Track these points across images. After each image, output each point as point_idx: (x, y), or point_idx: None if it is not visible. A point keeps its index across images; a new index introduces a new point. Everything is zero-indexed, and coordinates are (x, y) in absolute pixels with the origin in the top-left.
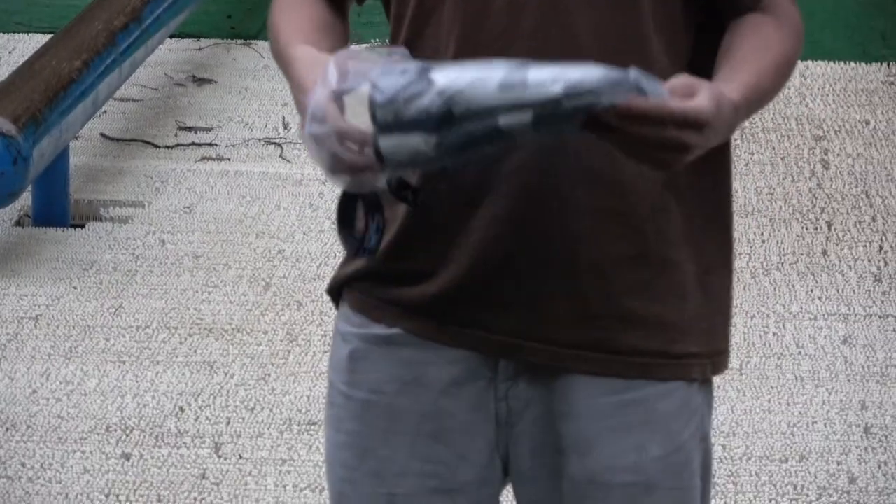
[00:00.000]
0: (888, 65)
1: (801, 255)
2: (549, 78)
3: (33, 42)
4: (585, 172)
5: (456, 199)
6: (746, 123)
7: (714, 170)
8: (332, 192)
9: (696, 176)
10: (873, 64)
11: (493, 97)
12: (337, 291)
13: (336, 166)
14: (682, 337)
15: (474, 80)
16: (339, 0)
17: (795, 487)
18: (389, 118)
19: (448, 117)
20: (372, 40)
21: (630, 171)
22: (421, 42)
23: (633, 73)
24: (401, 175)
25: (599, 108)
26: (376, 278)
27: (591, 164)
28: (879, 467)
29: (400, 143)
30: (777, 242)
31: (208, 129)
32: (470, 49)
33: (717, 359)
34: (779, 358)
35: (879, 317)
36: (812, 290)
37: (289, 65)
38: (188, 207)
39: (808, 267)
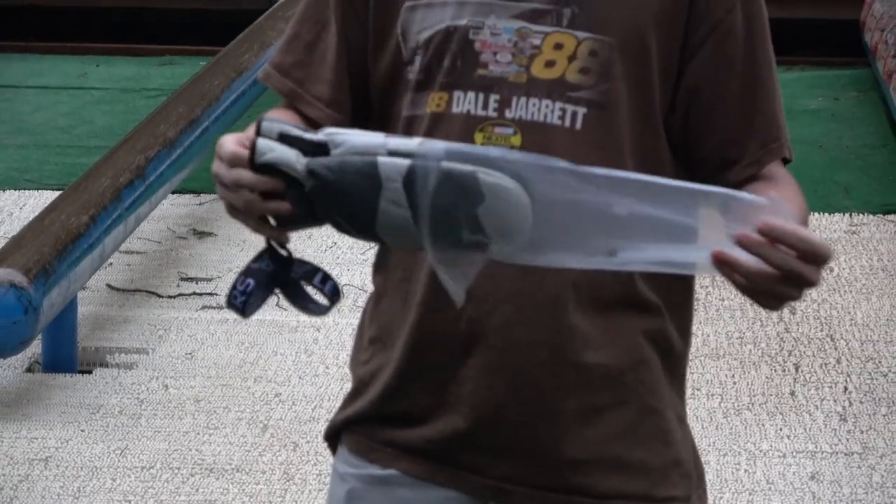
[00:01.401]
0: (850, 215)
1: (771, 395)
2: (436, 140)
3: (43, 198)
4: (571, 329)
5: (450, 345)
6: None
7: (686, 327)
8: (326, 337)
9: (672, 330)
10: (836, 215)
11: (374, 141)
12: (335, 434)
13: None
14: (664, 480)
15: (363, 134)
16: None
17: None
18: (274, 130)
19: (324, 148)
20: None
21: (613, 328)
22: None
23: (563, 164)
24: (282, 242)
25: (471, 181)
26: (373, 421)
27: (577, 321)
28: None
29: (274, 147)
30: (747, 384)
31: (209, 280)
32: None
33: (695, 498)
34: (750, 493)
35: (845, 454)
36: (781, 429)
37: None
38: (190, 354)
39: (776, 407)
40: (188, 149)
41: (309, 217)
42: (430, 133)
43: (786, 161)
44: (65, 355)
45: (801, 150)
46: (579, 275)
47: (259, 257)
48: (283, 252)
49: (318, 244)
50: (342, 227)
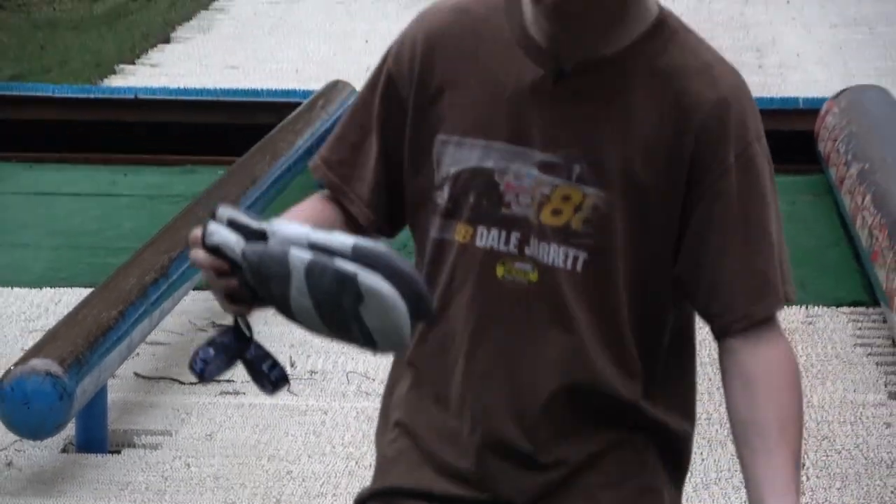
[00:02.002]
0: (806, 308)
1: (736, 471)
2: (348, 237)
3: (76, 295)
4: (585, 425)
5: (466, 450)
6: None
7: (686, 420)
8: (332, 420)
9: (667, 418)
10: (794, 307)
11: (298, 233)
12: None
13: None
14: None
15: (295, 227)
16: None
17: None
18: (224, 215)
19: (261, 234)
20: None
21: (618, 417)
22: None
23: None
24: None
25: (351, 281)
26: (398, 494)
27: (588, 421)
28: None
29: (219, 230)
30: (714, 461)
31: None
32: (483, 323)
33: None
34: None
35: None
36: (745, 502)
37: None
38: (209, 435)
39: (741, 482)
40: None
41: (254, 297)
42: (457, 260)
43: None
44: (96, 437)
45: None
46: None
47: (224, 331)
48: (246, 331)
49: None
50: (277, 310)
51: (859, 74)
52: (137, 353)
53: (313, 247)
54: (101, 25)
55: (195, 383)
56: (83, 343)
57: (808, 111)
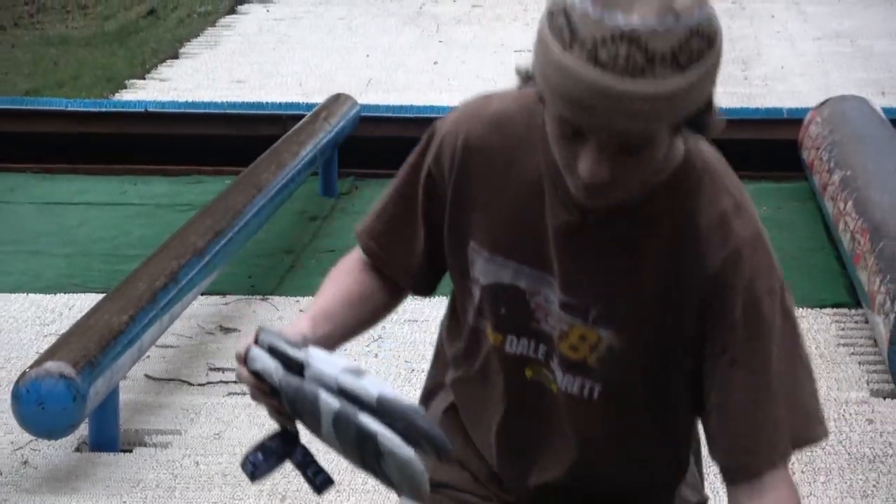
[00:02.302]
0: None
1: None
2: (375, 385)
3: (88, 300)
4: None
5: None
6: None
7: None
8: None
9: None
10: None
11: (330, 373)
12: None
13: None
14: None
15: (329, 363)
16: (396, 289)
17: None
18: (265, 342)
19: (300, 367)
20: None
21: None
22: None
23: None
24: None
25: (372, 441)
26: (441, 487)
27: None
28: None
29: (261, 357)
30: (709, 460)
31: (233, 370)
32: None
33: None
34: None
35: None
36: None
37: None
38: (217, 434)
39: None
40: (215, 256)
41: (293, 417)
42: (489, 355)
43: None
44: (108, 436)
45: None
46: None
47: (273, 436)
48: (290, 437)
49: None
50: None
51: (841, 85)
52: (148, 356)
53: (342, 392)
54: (113, 42)
55: (203, 384)
56: (95, 346)
57: (793, 121)
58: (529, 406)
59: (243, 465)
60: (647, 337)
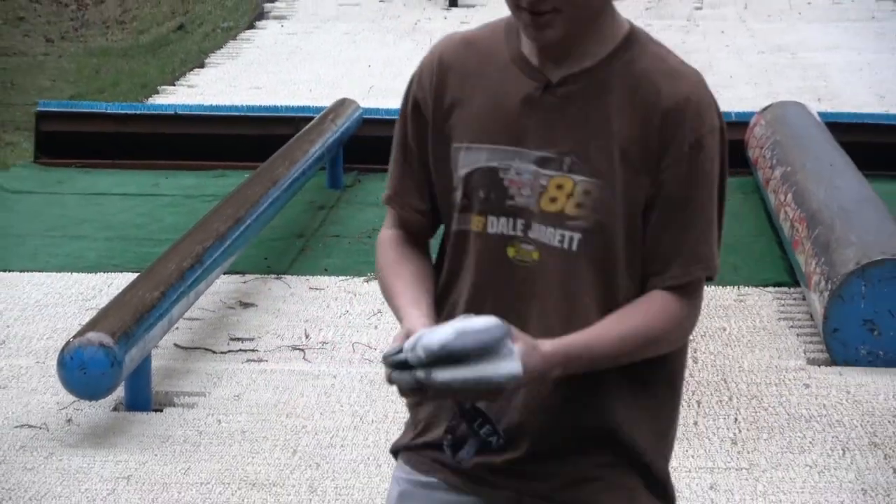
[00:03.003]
0: (738, 288)
1: (679, 425)
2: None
3: (125, 279)
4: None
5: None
6: None
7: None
8: (341, 383)
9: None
10: (728, 287)
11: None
12: (395, 451)
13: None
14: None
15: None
16: (422, 241)
17: None
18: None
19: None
20: None
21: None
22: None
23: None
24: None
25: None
26: (424, 447)
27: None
28: None
29: (396, 379)
30: None
31: (251, 339)
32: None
33: None
34: None
35: (736, 469)
36: (686, 451)
37: (400, 316)
38: (237, 396)
39: (683, 434)
40: (235, 240)
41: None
42: (475, 246)
43: (710, 278)
44: (142, 398)
45: None
46: None
47: (452, 427)
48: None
49: (333, 311)
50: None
51: (782, 92)
52: (177, 328)
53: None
54: (147, 53)
55: (224, 352)
56: (131, 319)
57: (740, 123)
58: (515, 289)
59: (461, 459)
60: (616, 179)
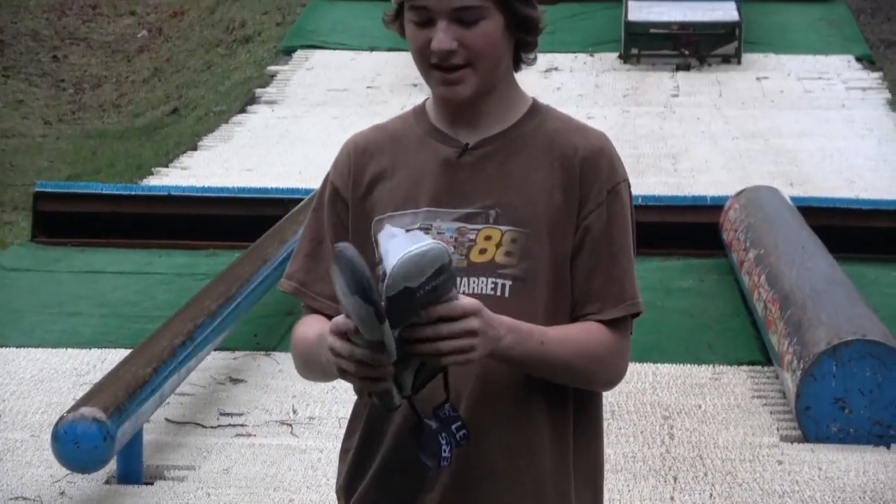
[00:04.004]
0: (713, 366)
1: (656, 500)
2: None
3: (119, 354)
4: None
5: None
6: (616, 408)
7: (594, 444)
8: (327, 457)
9: (584, 443)
10: (703, 365)
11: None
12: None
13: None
14: None
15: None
16: None
17: None
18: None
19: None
20: None
21: (540, 462)
22: None
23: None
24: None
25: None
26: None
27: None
28: None
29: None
30: (639, 492)
31: (241, 414)
32: None
33: None
34: None
35: None
36: None
37: (314, 342)
38: (226, 470)
39: None
40: (226, 318)
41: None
42: None
43: (635, 315)
44: (134, 471)
45: (676, 317)
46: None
47: (419, 426)
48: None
49: (320, 387)
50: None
51: (756, 177)
52: (168, 403)
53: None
54: (142, 136)
55: (214, 427)
56: (123, 394)
57: (715, 207)
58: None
59: (439, 464)
60: (541, 227)
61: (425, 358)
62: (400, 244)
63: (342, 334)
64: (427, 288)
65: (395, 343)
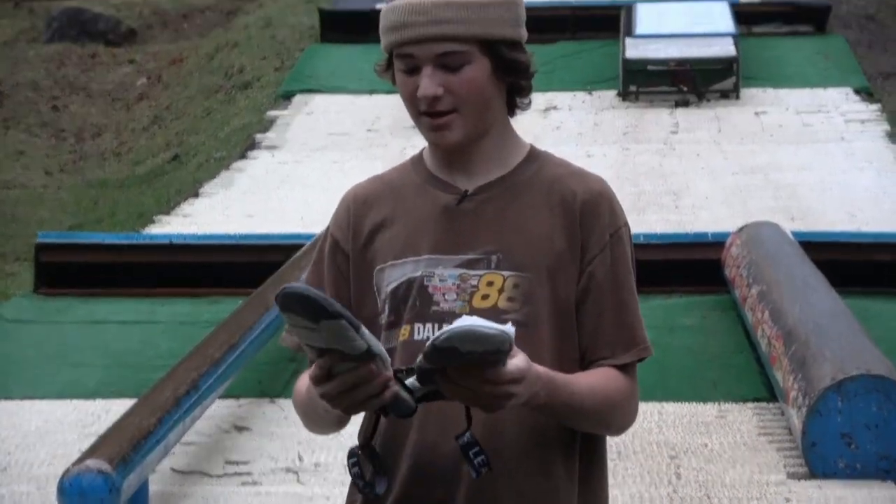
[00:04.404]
0: (719, 404)
1: None
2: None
3: (123, 405)
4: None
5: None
6: (623, 448)
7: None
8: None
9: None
10: (709, 403)
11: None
12: None
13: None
14: None
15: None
16: None
17: None
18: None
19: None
20: None
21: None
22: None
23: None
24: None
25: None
26: None
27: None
28: None
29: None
30: None
31: (246, 463)
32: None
33: None
34: None
35: None
36: None
37: (309, 391)
38: None
39: None
40: (230, 366)
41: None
42: (401, 356)
43: (642, 358)
44: None
45: (680, 355)
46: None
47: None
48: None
49: None
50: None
51: (756, 212)
52: (173, 452)
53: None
54: (143, 184)
55: (220, 476)
56: (128, 445)
57: (716, 243)
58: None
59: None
60: (542, 272)
61: (455, 399)
62: (473, 320)
63: (325, 377)
64: (474, 356)
65: (425, 371)
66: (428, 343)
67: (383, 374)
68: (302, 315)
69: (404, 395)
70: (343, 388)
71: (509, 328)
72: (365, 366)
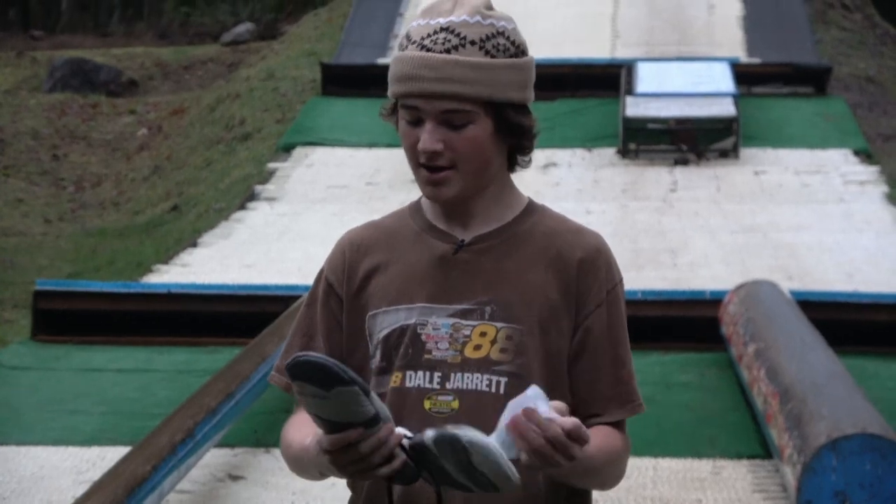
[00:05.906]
0: (714, 460)
1: None
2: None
3: (118, 452)
4: None
5: None
6: (617, 503)
7: None
8: None
9: None
10: (704, 459)
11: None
12: None
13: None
14: None
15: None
16: None
17: None
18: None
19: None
20: None
21: None
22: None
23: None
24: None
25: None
26: None
27: None
28: None
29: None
30: None
31: None
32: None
33: None
34: None
35: None
36: None
37: (309, 449)
38: None
39: None
40: (226, 415)
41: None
42: (392, 402)
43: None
44: None
45: (676, 412)
46: None
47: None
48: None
49: (321, 484)
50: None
51: (754, 271)
52: (167, 500)
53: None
54: (142, 233)
55: None
56: (123, 492)
57: (714, 301)
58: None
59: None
60: (536, 325)
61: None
62: (501, 449)
63: (343, 449)
64: (476, 474)
65: (424, 451)
66: (449, 430)
67: (390, 437)
68: (314, 383)
69: (409, 462)
70: (356, 457)
71: (517, 477)
72: (373, 431)
